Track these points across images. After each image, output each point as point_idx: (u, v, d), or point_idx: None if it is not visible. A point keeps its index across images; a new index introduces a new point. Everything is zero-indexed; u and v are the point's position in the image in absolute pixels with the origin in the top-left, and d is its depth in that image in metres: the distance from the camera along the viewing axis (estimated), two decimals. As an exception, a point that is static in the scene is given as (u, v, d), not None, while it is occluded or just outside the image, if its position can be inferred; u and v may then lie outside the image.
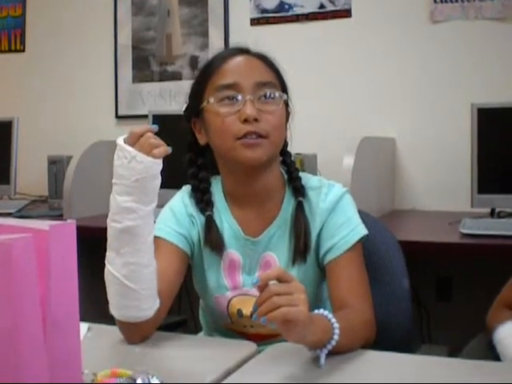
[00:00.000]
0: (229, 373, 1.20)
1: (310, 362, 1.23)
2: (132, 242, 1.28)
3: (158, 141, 1.26)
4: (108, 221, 1.29)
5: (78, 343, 0.86)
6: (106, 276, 1.32)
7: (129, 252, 1.28)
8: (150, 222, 1.30)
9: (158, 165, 1.25)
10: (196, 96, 1.51)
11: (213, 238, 1.50)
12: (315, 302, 1.53)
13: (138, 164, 1.24)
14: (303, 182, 1.54)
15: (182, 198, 1.56)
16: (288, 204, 1.52)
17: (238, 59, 1.48)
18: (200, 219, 1.53)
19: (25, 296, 0.77)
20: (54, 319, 0.80)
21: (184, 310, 2.73)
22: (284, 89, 1.52)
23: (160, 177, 1.27)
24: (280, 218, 1.51)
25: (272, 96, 1.46)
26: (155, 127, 1.29)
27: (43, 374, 0.79)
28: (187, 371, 1.21)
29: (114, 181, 1.27)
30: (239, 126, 1.42)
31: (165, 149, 1.26)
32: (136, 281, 1.30)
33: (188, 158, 1.57)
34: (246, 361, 1.26)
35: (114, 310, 1.33)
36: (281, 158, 1.57)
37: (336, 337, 1.22)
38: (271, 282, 1.16)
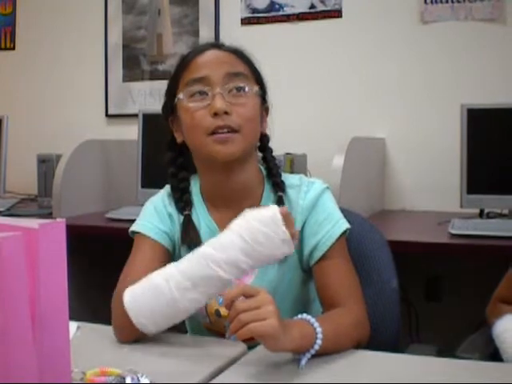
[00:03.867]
0: (218, 372, 1.20)
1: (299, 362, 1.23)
2: (218, 291, 1.28)
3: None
4: (209, 258, 1.25)
5: (67, 342, 0.86)
6: (159, 290, 1.28)
7: (206, 296, 1.28)
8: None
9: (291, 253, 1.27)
10: (170, 93, 1.50)
11: (190, 238, 1.48)
12: (302, 304, 1.53)
13: (285, 248, 1.24)
14: (283, 179, 1.52)
15: (162, 198, 1.55)
16: (267, 201, 1.50)
17: (209, 53, 1.46)
18: (179, 219, 1.51)
19: (14, 295, 0.77)
20: (43, 318, 0.80)
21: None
22: (259, 82, 1.49)
23: None
24: None
25: (243, 88, 1.43)
26: None
27: (32, 372, 0.79)
28: (176, 370, 1.21)
29: (245, 237, 1.24)
30: (209, 121, 1.39)
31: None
32: (185, 314, 1.32)
33: (168, 157, 1.55)
34: (235, 360, 1.26)
35: (136, 316, 1.30)
36: (261, 155, 1.55)
37: (319, 341, 1.21)
38: (239, 298, 1.16)
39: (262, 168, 1.55)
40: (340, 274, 1.43)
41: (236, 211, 1.48)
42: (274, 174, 1.52)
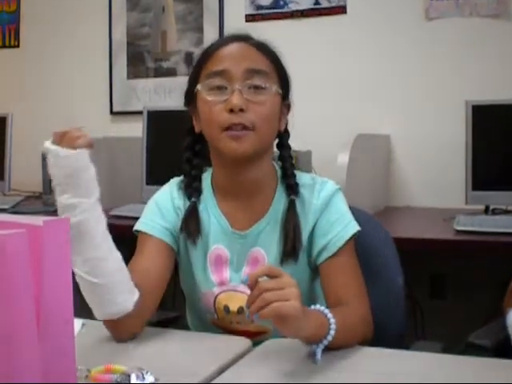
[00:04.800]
0: (223, 369, 1.20)
1: (305, 359, 1.23)
2: (83, 237, 1.25)
3: (80, 132, 1.26)
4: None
5: (72, 339, 0.86)
6: (76, 279, 1.28)
7: (84, 249, 1.26)
8: (95, 213, 1.28)
9: (84, 154, 1.25)
10: (191, 81, 1.49)
11: (190, 225, 1.48)
12: (307, 302, 1.53)
13: (64, 159, 1.23)
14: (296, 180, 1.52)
15: (169, 191, 1.54)
16: (279, 200, 1.50)
17: (233, 46, 1.45)
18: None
19: (19, 291, 0.77)
20: (47, 315, 0.80)
21: (178, 307, 2.72)
22: (282, 79, 1.48)
23: (92, 166, 1.27)
24: (270, 213, 1.49)
25: (262, 86, 1.42)
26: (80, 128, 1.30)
27: (37, 369, 0.79)
28: (181, 367, 1.21)
29: (52, 183, 1.26)
30: (225, 116, 1.39)
31: (87, 139, 1.25)
32: (100, 275, 1.27)
33: (186, 142, 1.54)
34: (240, 357, 1.26)
35: (94, 311, 1.32)
36: (278, 152, 1.54)
37: (333, 332, 1.22)
38: (261, 279, 1.16)
39: (277, 167, 1.55)
40: (347, 274, 1.44)
41: (246, 206, 1.50)
42: (288, 176, 1.51)
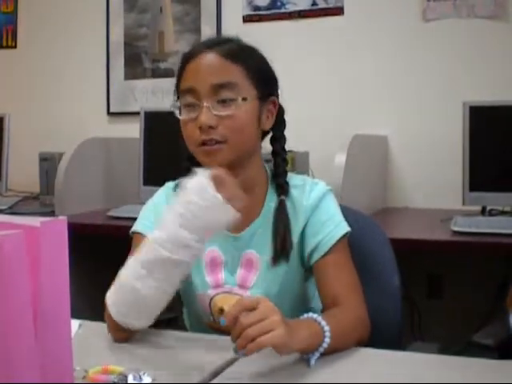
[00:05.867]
0: (220, 370, 1.19)
1: (302, 361, 1.23)
2: (174, 273, 1.26)
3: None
4: (154, 240, 1.25)
5: (69, 340, 0.86)
6: (123, 284, 1.28)
7: (166, 281, 1.26)
8: (195, 259, 1.29)
9: (235, 217, 1.23)
10: (175, 94, 1.50)
11: None
12: (302, 302, 1.53)
13: (225, 213, 1.22)
14: (287, 180, 1.51)
15: (165, 194, 1.55)
16: (271, 201, 1.50)
17: (200, 58, 1.43)
18: None
19: (16, 293, 0.77)
20: (45, 316, 0.80)
21: (175, 307, 2.72)
22: (261, 81, 1.45)
23: None
24: (262, 215, 1.50)
25: (232, 98, 1.40)
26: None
27: (34, 370, 0.79)
28: (178, 368, 1.21)
29: (182, 211, 1.22)
30: (197, 134, 1.40)
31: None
32: (158, 303, 1.29)
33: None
34: (237, 357, 1.26)
35: (116, 315, 1.31)
36: (271, 148, 1.54)
37: (327, 339, 1.22)
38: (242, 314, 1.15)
39: (267, 167, 1.55)
40: (341, 273, 1.44)
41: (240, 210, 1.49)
42: (278, 174, 1.51)
